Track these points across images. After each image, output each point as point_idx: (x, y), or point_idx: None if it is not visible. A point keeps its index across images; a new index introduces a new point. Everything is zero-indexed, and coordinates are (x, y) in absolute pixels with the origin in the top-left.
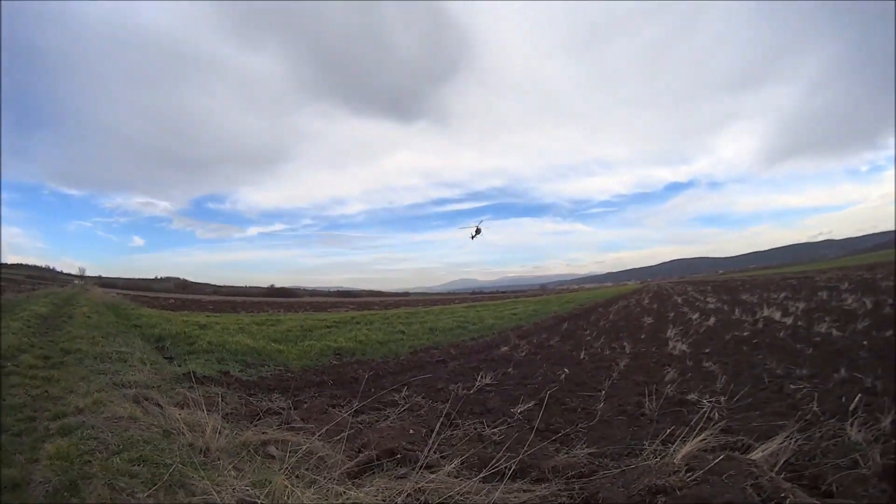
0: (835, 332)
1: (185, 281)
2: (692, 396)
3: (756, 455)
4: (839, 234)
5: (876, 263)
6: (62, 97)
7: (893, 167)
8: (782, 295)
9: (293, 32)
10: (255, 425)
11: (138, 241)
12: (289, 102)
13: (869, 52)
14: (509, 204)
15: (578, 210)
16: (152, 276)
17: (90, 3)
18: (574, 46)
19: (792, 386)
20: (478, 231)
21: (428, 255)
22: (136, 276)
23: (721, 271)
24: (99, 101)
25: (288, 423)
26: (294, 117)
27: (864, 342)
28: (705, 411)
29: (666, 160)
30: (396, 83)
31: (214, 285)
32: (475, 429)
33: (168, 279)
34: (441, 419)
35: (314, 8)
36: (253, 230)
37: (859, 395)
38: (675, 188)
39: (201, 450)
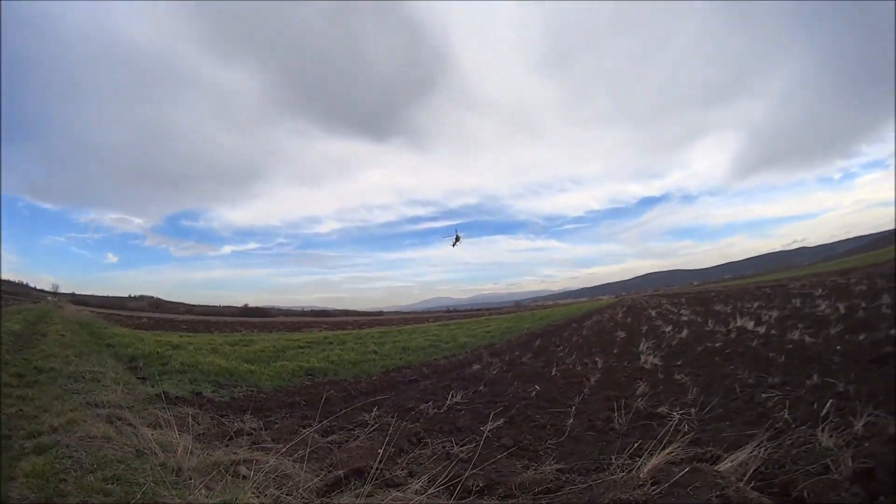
0: (807, 338)
1: (158, 300)
2: (662, 409)
3: (724, 465)
4: (813, 241)
5: (849, 268)
6: (39, 107)
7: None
8: (756, 304)
9: (269, 48)
10: (227, 445)
11: (112, 257)
12: (263, 119)
13: (837, 63)
14: (483, 221)
15: (552, 226)
16: (125, 295)
17: (69, 13)
18: (547, 65)
19: (763, 394)
20: (457, 239)
21: (402, 273)
22: (110, 294)
23: (696, 283)
24: (75, 113)
25: (258, 444)
26: (268, 134)
27: (837, 347)
28: (674, 424)
29: (639, 175)
30: (371, 101)
31: (188, 304)
32: (444, 447)
33: (141, 298)
34: (410, 438)
35: (291, 24)
36: (227, 248)
37: (831, 400)
38: (648, 203)
39: (173, 469)
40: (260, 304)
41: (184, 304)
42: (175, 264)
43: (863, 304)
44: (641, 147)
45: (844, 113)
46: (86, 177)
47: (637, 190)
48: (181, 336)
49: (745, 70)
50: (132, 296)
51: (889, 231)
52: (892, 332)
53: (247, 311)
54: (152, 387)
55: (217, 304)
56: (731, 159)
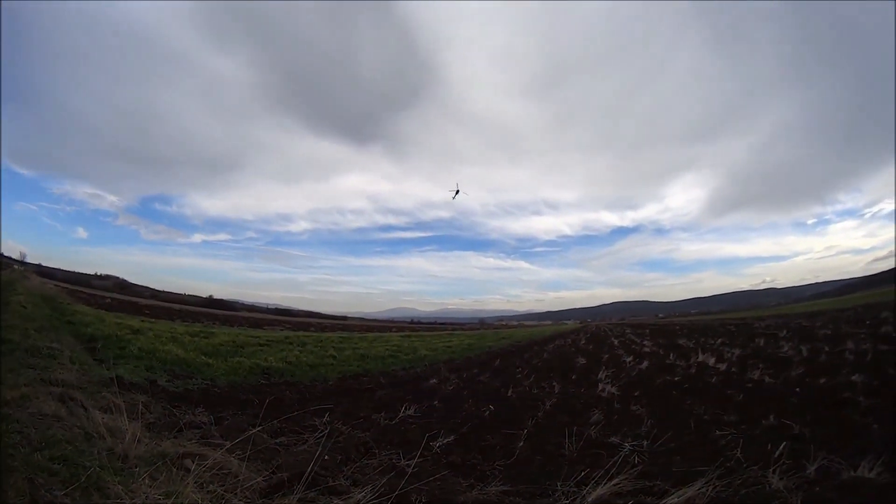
0: (767, 378)
1: (124, 281)
2: (614, 440)
3: (671, 500)
4: (782, 282)
5: (816, 312)
6: (26, 71)
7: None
8: (719, 341)
9: (266, 40)
10: (175, 437)
11: (82, 233)
12: (250, 110)
13: (822, 113)
14: (454, 236)
15: (523, 248)
16: (92, 272)
17: None
18: (537, 87)
19: (718, 432)
20: (457, 192)
21: (369, 280)
22: (76, 270)
23: (661, 315)
24: (63, 81)
25: (207, 438)
26: (253, 126)
27: (797, 389)
28: (624, 454)
29: (614, 205)
30: (357, 105)
31: (153, 289)
32: (391, 459)
33: (107, 277)
34: (358, 447)
35: (289, 20)
36: (197, 237)
37: (785, 442)
38: (620, 232)
39: (120, 456)
40: (225, 297)
41: (149, 288)
42: (144, 247)
43: (826, 349)
44: (620, 178)
45: (824, 161)
46: (65, 146)
47: (611, 219)
48: (142, 321)
49: (730, 111)
50: (98, 274)
51: (858, 278)
52: (853, 377)
53: (211, 302)
54: (107, 370)
55: (182, 292)
56: (707, 197)
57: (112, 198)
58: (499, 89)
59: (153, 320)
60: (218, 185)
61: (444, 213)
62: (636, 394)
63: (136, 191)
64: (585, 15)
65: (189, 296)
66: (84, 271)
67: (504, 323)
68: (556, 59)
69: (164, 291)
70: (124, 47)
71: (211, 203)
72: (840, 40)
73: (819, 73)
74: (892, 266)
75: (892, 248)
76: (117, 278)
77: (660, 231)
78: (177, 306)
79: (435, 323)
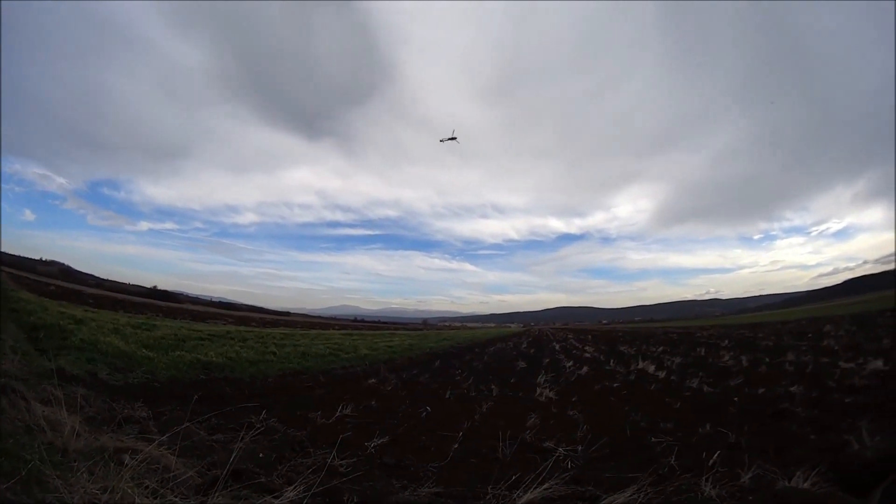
0: (706, 387)
1: (68, 268)
2: (549, 444)
3: None
4: (726, 294)
5: (759, 323)
6: None
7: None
8: (661, 348)
9: (226, 27)
10: (114, 431)
11: (29, 215)
12: (204, 98)
13: (774, 133)
14: (400, 236)
15: (469, 250)
16: (38, 257)
17: None
18: (493, 91)
19: (653, 439)
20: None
21: (313, 276)
22: (21, 254)
23: (605, 321)
24: (16, 57)
25: (145, 433)
26: (205, 114)
27: (735, 398)
28: (556, 458)
29: (562, 212)
30: (311, 98)
31: (98, 277)
32: (325, 458)
33: (52, 263)
34: (293, 445)
35: (252, 7)
36: (144, 225)
37: (718, 451)
38: (567, 239)
39: (60, 450)
40: (169, 288)
41: (94, 276)
42: (90, 233)
43: (766, 359)
44: (569, 185)
45: (774, 179)
46: (17, 124)
47: (558, 226)
48: (86, 310)
49: (684, 126)
50: (44, 259)
51: (803, 292)
52: (792, 388)
53: (155, 293)
54: (49, 361)
55: (126, 281)
56: (656, 208)
57: (61, 180)
58: (454, 91)
59: (96, 310)
60: (167, 173)
61: (391, 212)
62: (574, 399)
63: (85, 173)
64: (546, 23)
65: (133, 286)
66: (30, 256)
67: (447, 324)
68: (513, 65)
69: (108, 280)
70: (82, 24)
71: (159, 190)
72: (795, 65)
73: (773, 95)
74: (836, 282)
75: (838, 265)
76: (62, 265)
77: (606, 239)
78: (121, 296)
79: (378, 322)
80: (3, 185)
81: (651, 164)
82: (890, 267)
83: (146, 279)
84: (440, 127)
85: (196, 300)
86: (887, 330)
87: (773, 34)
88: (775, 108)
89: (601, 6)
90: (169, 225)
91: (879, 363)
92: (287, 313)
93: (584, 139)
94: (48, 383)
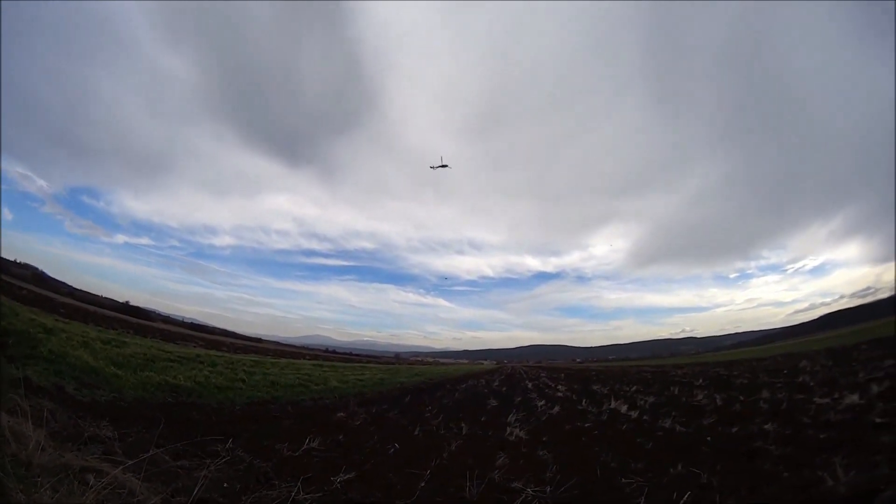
0: (678, 427)
1: (42, 273)
2: (517, 484)
3: None
4: (702, 332)
5: (734, 360)
6: None
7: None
8: (634, 388)
9: (216, 44)
10: (79, 449)
11: (7, 214)
12: (189, 113)
13: (751, 174)
14: (376, 268)
15: (443, 285)
16: (12, 258)
17: None
18: (474, 127)
19: (623, 479)
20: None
21: (287, 304)
22: None
23: (579, 360)
24: (5, 52)
25: (110, 454)
26: (190, 130)
27: (708, 438)
28: (525, 499)
29: (538, 250)
30: (294, 124)
31: (70, 286)
32: (290, 492)
33: (26, 266)
34: (259, 477)
35: (243, 25)
36: (120, 238)
37: (690, 491)
38: (542, 277)
39: (24, 463)
40: (141, 305)
41: (66, 284)
42: (67, 240)
43: (741, 397)
44: (546, 224)
45: (750, 219)
46: (7, 120)
47: (534, 264)
48: (56, 320)
49: (661, 166)
50: (18, 261)
51: (778, 328)
52: (766, 426)
53: (127, 308)
54: (17, 370)
55: (99, 293)
56: (631, 248)
57: (41, 182)
58: (436, 125)
59: (67, 321)
60: (147, 187)
61: (367, 244)
62: (544, 439)
63: (66, 179)
64: (527, 62)
65: (106, 298)
66: (4, 256)
67: (420, 359)
68: (494, 103)
69: (80, 290)
70: (76, 23)
71: (138, 204)
72: (770, 108)
73: (749, 136)
74: (812, 318)
75: (814, 301)
76: (35, 269)
77: (581, 278)
78: (92, 308)
79: (350, 353)
80: None
81: (627, 205)
82: (866, 300)
83: (119, 293)
84: (420, 161)
85: (168, 319)
86: (863, 363)
87: (749, 77)
88: (751, 149)
89: (582, 47)
90: (145, 240)
91: (855, 397)
92: (259, 340)
93: (562, 178)
94: (15, 393)
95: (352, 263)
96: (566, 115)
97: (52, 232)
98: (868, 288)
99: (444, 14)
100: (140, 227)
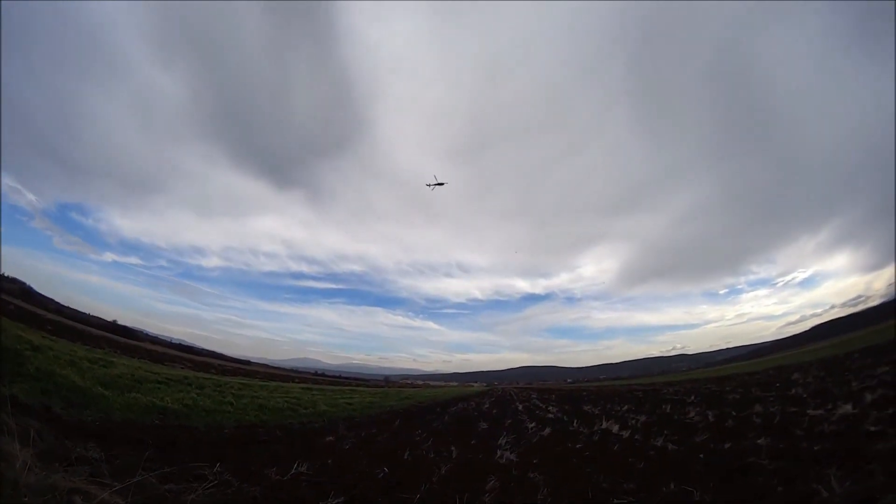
0: (671, 445)
1: (30, 288)
2: None
3: None
4: (693, 349)
5: (726, 376)
6: None
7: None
8: (625, 407)
9: (208, 64)
10: (66, 470)
11: None
12: (180, 133)
13: (737, 192)
14: (365, 291)
15: (432, 308)
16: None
17: None
18: (462, 150)
19: (615, 500)
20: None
21: (276, 326)
22: None
23: (570, 381)
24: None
25: (97, 476)
26: (179, 149)
27: (700, 455)
28: None
29: (527, 272)
30: (284, 147)
31: (58, 303)
32: None
33: (14, 280)
34: (247, 501)
35: (235, 46)
36: (109, 256)
37: None
38: (531, 299)
39: (10, 483)
40: (129, 324)
41: (54, 301)
42: (55, 256)
43: (733, 413)
44: (535, 246)
45: (739, 235)
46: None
47: (523, 286)
48: (44, 337)
49: (648, 186)
50: (6, 275)
51: (770, 342)
52: (759, 441)
53: (114, 327)
54: (4, 387)
55: (87, 311)
56: (620, 268)
57: (31, 196)
58: (424, 148)
59: (54, 338)
60: (136, 205)
61: (356, 267)
62: (535, 461)
63: (56, 195)
64: (516, 84)
65: (93, 317)
66: None
67: (409, 382)
68: (482, 125)
69: (68, 307)
70: (67, 38)
71: (126, 223)
72: (755, 124)
73: (735, 152)
74: (804, 329)
75: (805, 313)
76: (23, 284)
77: (571, 299)
78: (80, 326)
79: (339, 377)
80: None
81: (616, 225)
82: (857, 309)
83: (106, 312)
84: (409, 184)
85: (156, 340)
86: (855, 372)
87: (734, 95)
88: (737, 166)
89: (570, 70)
90: (133, 259)
91: (849, 407)
92: (248, 362)
93: (550, 200)
94: (2, 411)
95: (340, 286)
96: (554, 136)
97: (41, 247)
98: (859, 297)
99: (433, 37)
100: (128, 246)
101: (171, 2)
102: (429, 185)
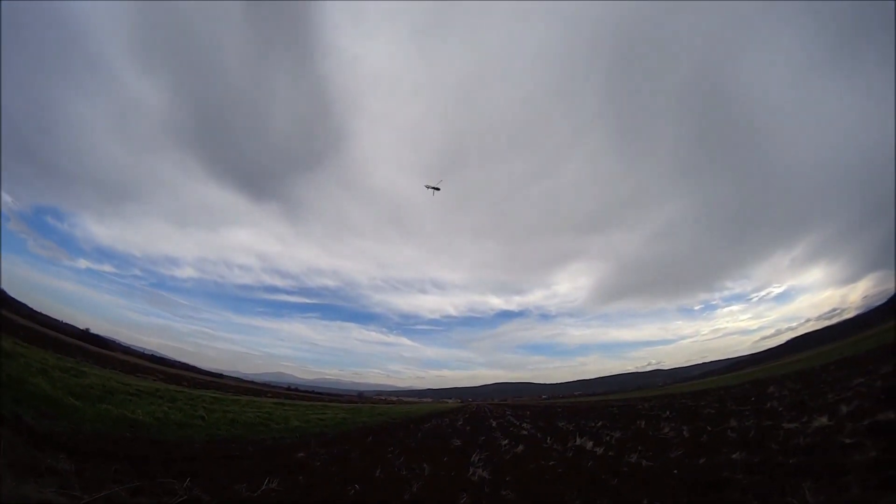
0: (645, 461)
1: (3, 292)
2: None
3: None
4: (668, 364)
5: (703, 390)
6: None
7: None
8: (600, 423)
9: (189, 72)
10: (36, 482)
11: None
12: (158, 142)
13: (711, 209)
14: (338, 306)
15: (406, 324)
16: None
17: None
18: (438, 168)
19: None
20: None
21: (248, 340)
22: None
23: (545, 397)
24: None
25: (67, 488)
26: (156, 158)
27: (675, 471)
28: None
29: (501, 290)
30: (261, 159)
31: (31, 308)
32: None
33: None
34: None
35: (217, 57)
36: (83, 262)
37: None
38: (505, 316)
39: None
40: (102, 333)
41: (27, 306)
42: (29, 260)
43: (708, 428)
44: (509, 263)
45: (713, 252)
46: None
47: (497, 303)
48: (15, 343)
49: (623, 204)
50: None
51: (746, 356)
52: (734, 455)
53: (87, 336)
54: None
55: (59, 318)
56: (595, 285)
57: (7, 197)
58: (401, 166)
59: (26, 345)
60: (111, 213)
61: (330, 282)
62: (508, 478)
63: (32, 197)
64: (492, 104)
65: (66, 324)
66: None
67: (383, 398)
68: (457, 144)
69: (40, 313)
70: (48, 39)
71: (101, 230)
72: (728, 142)
73: (709, 171)
74: (779, 343)
75: (780, 327)
76: None
77: (545, 316)
78: (52, 333)
79: (312, 392)
80: None
81: (590, 243)
82: (831, 322)
83: (79, 319)
84: (385, 201)
85: (128, 350)
86: (831, 384)
87: (709, 113)
88: (711, 183)
89: (544, 90)
90: (108, 267)
91: (824, 419)
92: (220, 375)
93: (525, 218)
94: None
95: (314, 301)
96: (529, 156)
97: (15, 251)
98: (834, 309)
99: (412, 55)
100: (103, 254)
101: (153, 5)
102: (427, 187)
